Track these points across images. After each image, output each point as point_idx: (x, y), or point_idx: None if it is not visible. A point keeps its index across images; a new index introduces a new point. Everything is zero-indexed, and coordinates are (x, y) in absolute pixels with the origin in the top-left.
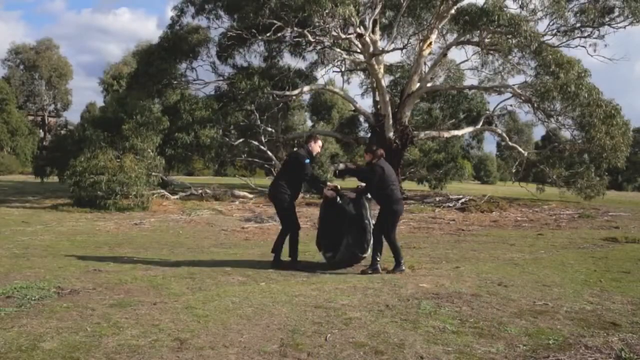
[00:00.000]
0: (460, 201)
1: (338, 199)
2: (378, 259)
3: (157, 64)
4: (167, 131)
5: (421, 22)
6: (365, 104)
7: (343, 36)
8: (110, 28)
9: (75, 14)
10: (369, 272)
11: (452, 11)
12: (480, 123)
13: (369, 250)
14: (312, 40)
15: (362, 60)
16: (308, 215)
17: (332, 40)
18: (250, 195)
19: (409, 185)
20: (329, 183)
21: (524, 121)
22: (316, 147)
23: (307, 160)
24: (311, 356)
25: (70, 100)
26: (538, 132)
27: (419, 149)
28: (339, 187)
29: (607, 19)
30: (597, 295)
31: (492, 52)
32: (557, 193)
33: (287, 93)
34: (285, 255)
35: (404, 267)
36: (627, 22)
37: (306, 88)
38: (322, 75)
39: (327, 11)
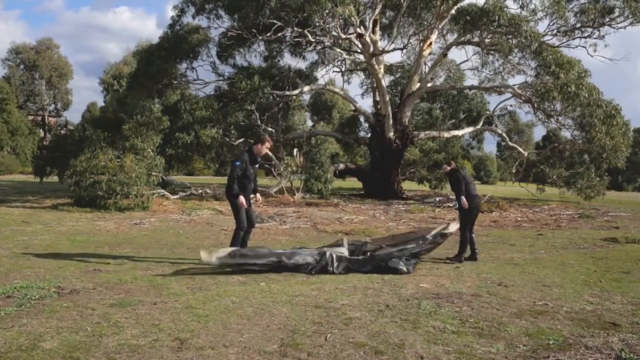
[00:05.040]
0: None
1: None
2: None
3: (157, 63)
4: (167, 131)
5: (421, 22)
6: (366, 104)
7: (343, 36)
8: (110, 27)
9: (73, 13)
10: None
11: (453, 11)
12: (481, 123)
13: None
14: (312, 40)
15: (362, 60)
16: (308, 215)
17: (332, 40)
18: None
19: (409, 185)
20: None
21: (524, 121)
22: (263, 149)
23: (237, 163)
24: (311, 356)
25: (70, 100)
26: (538, 132)
27: (419, 149)
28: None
29: (607, 19)
30: (597, 295)
31: (492, 52)
32: (557, 193)
33: (287, 93)
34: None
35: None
36: (627, 22)
37: (306, 88)
38: (323, 75)
39: (327, 11)
